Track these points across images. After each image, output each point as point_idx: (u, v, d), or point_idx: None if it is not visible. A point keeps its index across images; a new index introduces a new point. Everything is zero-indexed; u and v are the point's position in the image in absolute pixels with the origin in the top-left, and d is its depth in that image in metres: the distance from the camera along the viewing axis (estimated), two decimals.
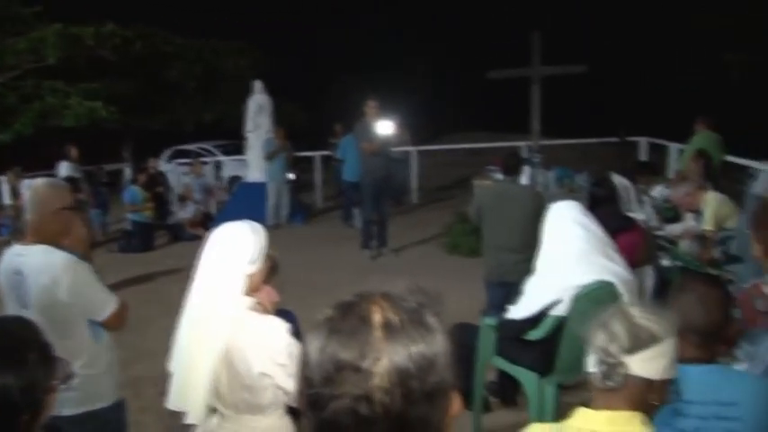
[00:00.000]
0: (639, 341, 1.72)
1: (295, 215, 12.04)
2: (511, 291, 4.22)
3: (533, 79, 9.72)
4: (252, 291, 2.42)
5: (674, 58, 17.96)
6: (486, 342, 4.12)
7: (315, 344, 1.01)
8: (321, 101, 21.41)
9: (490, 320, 4.16)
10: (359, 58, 22.48)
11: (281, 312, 2.59)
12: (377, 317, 0.99)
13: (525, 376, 3.90)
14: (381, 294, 1.04)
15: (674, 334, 1.77)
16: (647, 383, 1.73)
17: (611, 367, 1.73)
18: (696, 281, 2.36)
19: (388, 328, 0.98)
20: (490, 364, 4.25)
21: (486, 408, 4.46)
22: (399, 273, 7.91)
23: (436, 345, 1.00)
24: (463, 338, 4.36)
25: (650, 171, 7.78)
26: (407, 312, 1.01)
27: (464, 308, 5.74)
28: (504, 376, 4.38)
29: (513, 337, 3.89)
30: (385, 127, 8.59)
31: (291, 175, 12.31)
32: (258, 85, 12.38)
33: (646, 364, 1.72)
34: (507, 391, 4.56)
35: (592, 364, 1.78)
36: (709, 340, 2.19)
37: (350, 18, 22.82)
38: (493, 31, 20.86)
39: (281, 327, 2.32)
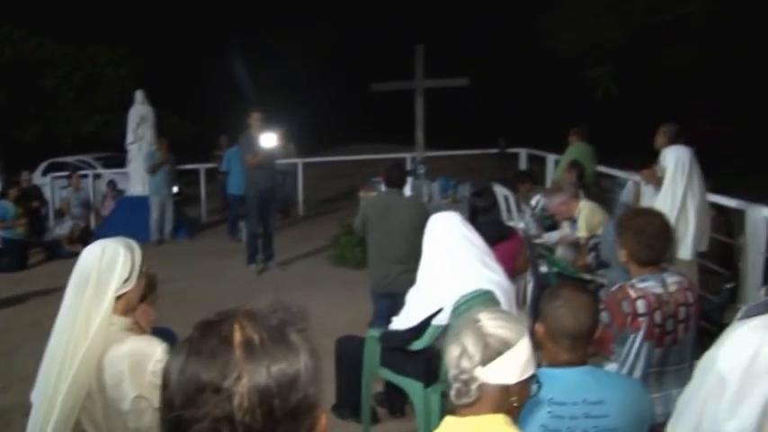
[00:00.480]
0: (490, 351, 1.74)
1: (179, 230, 11.67)
2: (397, 301, 4.26)
3: (417, 92, 9.93)
4: (127, 311, 2.33)
5: (547, 73, 18.77)
6: (372, 354, 4.15)
7: (174, 365, 0.98)
8: (206, 112, 20.97)
9: (374, 332, 4.19)
10: (244, 70, 22.21)
11: (160, 331, 2.51)
12: (237, 336, 0.98)
13: (411, 386, 3.94)
14: (243, 312, 1.02)
15: (525, 334, 1.80)
16: (504, 388, 1.76)
17: (465, 384, 1.75)
18: (564, 287, 2.46)
19: (248, 346, 0.97)
20: (377, 375, 4.28)
21: (375, 418, 4.49)
22: (286, 286, 7.85)
23: (299, 362, 0.99)
24: (349, 351, 4.38)
25: (530, 180, 8.09)
26: (269, 330, 0.99)
27: (351, 320, 5.80)
28: (391, 387, 4.41)
29: (398, 348, 3.93)
30: (269, 139, 8.50)
31: (175, 189, 11.96)
32: (140, 95, 11.95)
33: (499, 373, 1.75)
34: (395, 401, 4.60)
35: (450, 380, 1.80)
36: (579, 343, 2.29)
37: (236, 31, 22.54)
38: (377, 44, 21.14)
39: (157, 347, 2.24)
